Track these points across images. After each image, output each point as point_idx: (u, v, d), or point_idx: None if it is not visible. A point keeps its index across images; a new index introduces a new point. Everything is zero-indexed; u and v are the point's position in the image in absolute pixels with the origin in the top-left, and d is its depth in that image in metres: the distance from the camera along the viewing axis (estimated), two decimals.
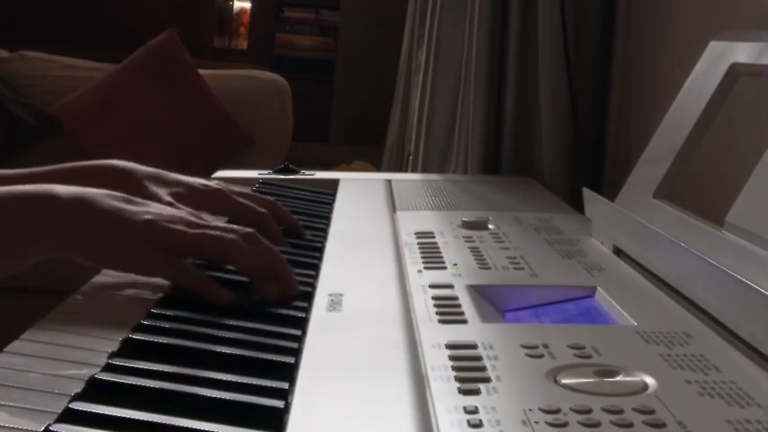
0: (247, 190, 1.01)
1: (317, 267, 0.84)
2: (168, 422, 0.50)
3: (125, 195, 0.77)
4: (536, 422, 0.49)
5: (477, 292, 0.75)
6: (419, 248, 0.90)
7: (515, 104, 1.47)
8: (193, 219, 0.78)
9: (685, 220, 0.82)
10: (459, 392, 0.53)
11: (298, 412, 0.52)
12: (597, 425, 0.49)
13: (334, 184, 1.28)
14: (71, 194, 0.74)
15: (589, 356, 0.59)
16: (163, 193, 0.90)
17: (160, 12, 3.70)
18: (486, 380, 0.55)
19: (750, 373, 0.58)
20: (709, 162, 1.08)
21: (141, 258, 0.74)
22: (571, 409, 0.51)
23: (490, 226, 1.00)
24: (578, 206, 1.08)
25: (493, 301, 0.75)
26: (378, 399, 0.54)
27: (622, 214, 0.89)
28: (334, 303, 0.72)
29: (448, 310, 0.70)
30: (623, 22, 1.43)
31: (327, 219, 1.06)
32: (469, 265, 0.83)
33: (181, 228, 0.75)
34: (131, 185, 0.87)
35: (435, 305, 0.71)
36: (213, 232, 0.76)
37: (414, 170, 1.69)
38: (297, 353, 0.61)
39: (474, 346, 0.61)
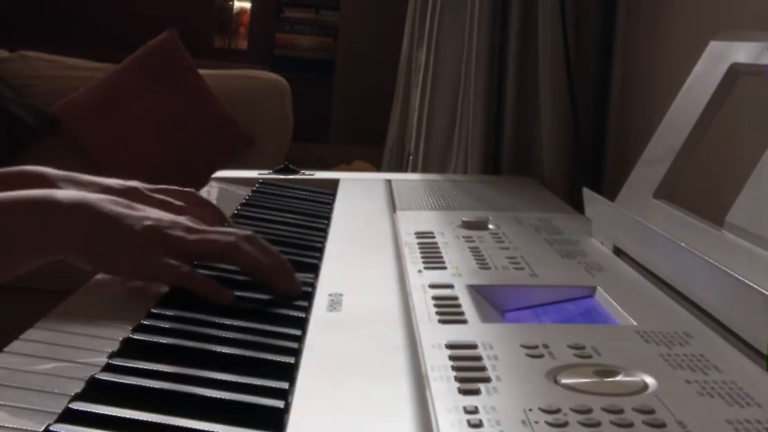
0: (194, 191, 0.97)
1: (316, 267, 0.84)
2: (168, 422, 0.50)
3: (126, 201, 0.77)
4: (536, 422, 0.49)
5: (477, 292, 0.75)
6: (419, 248, 0.90)
7: (515, 104, 1.47)
8: (192, 224, 0.78)
9: (685, 220, 0.82)
10: (459, 392, 0.53)
11: (298, 412, 0.52)
12: (597, 425, 0.49)
13: (334, 184, 1.28)
14: (71, 199, 0.74)
15: (589, 356, 0.59)
16: (75, 191, 0.87)
17: (160, 12, 3.70)
18: (486, 380, 0.55)
19: (750, 373, 0.58)
20: (709, 162, 1.08)
21: (142, 264, 0.74)
22: (571, 409, 0.51)
23: (490, 226, 1.00)
24: (578, 206, 1.08)
25: (493, 301, 0.75)
26: (378, 399, 0.54)
27: (622, 214, 0.89)
28: (334, 303, 0.72)
29: (448, 310, 0.70)
30: (623, 22, 1.43)
31: (327, 219, 1.06)
32: (469, 265, 0.83)
33: (180, 233, 0.75)
34: (45, 187, 0.84)
35: (435, 305, 0.71)
36: (212, 236, 0.76)
37: (414, 170, 1.69)
38: (297, 353, 0.61)
39: (474, 346, 0.61)
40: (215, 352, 0.61)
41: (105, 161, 2.77)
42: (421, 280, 0.78)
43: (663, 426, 0.49)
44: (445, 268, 0.82)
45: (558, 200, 1.26)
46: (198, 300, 0.71)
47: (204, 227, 0.79)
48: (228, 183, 1.30)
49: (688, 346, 0.62)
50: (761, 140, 0.79)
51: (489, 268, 0.83)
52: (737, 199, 0.75)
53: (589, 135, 1.46)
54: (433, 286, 0.76)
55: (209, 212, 0.90)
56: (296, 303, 0.73)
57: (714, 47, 0.93)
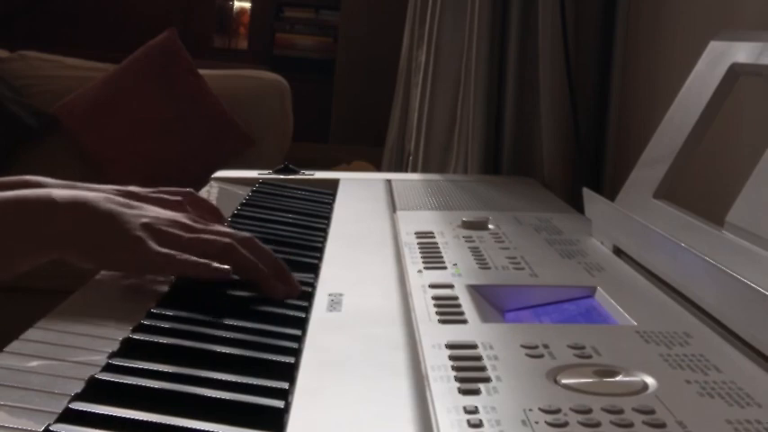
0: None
1: (316, 267, 0.84)
2: (168, 422, 0.50)
3: (123, 199, 0.78)
4: (536, 422, 0.49)
5: (477, 292, 0.75)
6: (419, 248, 0.90)
7: (515, 104, 1.47)
8: (190, 222, 0.79)
9: (685, 220, 0.82)
10: (459, 392, 0.53)
11: (298, 412, 0.52)
12: (597, 425, 0.49)
13: (334, 184, 1.29)
14: (69, 198, 0.75)
15: (589, 356, 0.59)
16: None
17: (160, 12, 3.70)
18: (486, 380, 0.55)
19: (750, 373, 0.58)
20: (709, 162, 1.08)
21: (139, 258, 0.74)
22: (571, 409, 0.51)
23: (490, 226, 1.00)
24: (578, 206, 1.08)
25: (493, 301, 0.75)
26: (378, 399, 0.54)
27: (622, 214, 0.89)
28: (334, 303, 0.72)
29: (448, 310, 0.70)
30: (623, 22, 1.43)
31: (327, 219, 1.06)
32: (469, 265, 0.83)
33: (177, 231, 0.76)
34: None
35: (435, 305, 0.71)
36: (209, 236, 0.77)
37: (414, 170, 1.70)
38: (297, 353, 0.61)
39: (474, 346, 0.61)
40: (215, 352, 0.61)
41: (105, 161, 2.77)
42: (421, 280, 0.78)
43: (663, 426, 0.49)
44: (445, 268, 0.82)
45: (558, 200, 1.26)
46: (198, 300, 0.71)
47: (201, 226, 0.79)
48: (228, 183, 1.30)
49: (688, 346, 0.62)
50: (761, 140, 0.79)
51: (489, 268, 0.83)
52: (737, 199, 0.75)
53: (589, 135, 1.46)
54: (432, 286, 0.76)
55: (208, 212, 0.90)
56: (296, 303, 0.73)
57: (714, 47, 0.93)
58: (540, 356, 0.59)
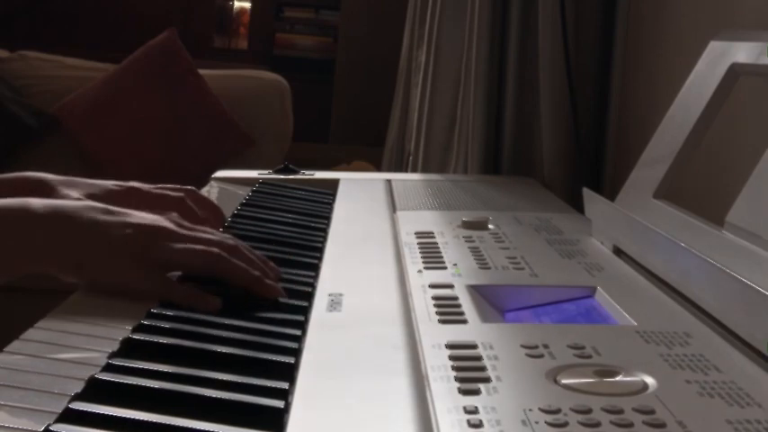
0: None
1: (317, 267, 0.84)
2: (168, 422, 0.50)
3: (104, 206, 0.74)
4: (536, 422, 0.49)
5: (477, 292, 0.75)
6: (419, 248, 0.90)
7: (515, 104, 1.47)
8: (176, 228, 0.75)
9: (685, 220, 0.82)
10: (459, 392, 0.53)
11: (298, 412, 0.52)
12: (597, 425, 0.49)
13: (334, 184, 1.29)
14: (47, 207, 0.71)
15: (589, 356, 0.59)
16: (75, 195, 0.84)
17: (160, 12, 3.70)
18: (486, 380, 0.55)
19: (750, 373, 0.58)
20: (710, 162, 1.08)
21: (124, 273, 0.72)
22: (571, 409, 0.51)
23: (490, 226, 1.00)
24: (578, 206, 1.08)
25: (493, 301, 0.75)
26: (378, 399, 0.54)
27: (622, 214, 0.89)
28: (334, 303, 0.72)
29: (448, 310, 0.70)
30: (623, 22, 1.43)
31: (327, 219, 1.06)
32: (469, 265, 0.83)
33: (166, 243, 0.73)
34: (45, 190, 0.82)
35: (435, 305, 0.71)
36: (198, 247, 0.74)
37: (414, 170, 1.70)
38: (297, 353, 0.61)
39: (474, 346, 0.61)
40: (215, 352, 0.61)
41: (105, 161, 2.77)
42: (421, 280, 0.78)
43: (663, 426, 0.49)
44: (445, 268, 0.82)
45: (558, 200, 1.26)
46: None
47: (187, 232, 0.76)
48: (228, 183, 1.30)
49: (688, 346, 0.62)
50: (761, 140, 0.79)
51: (489, 268, 0.83)
52: (737, 199, 0.75)
53: (589, 135, 1.46)
54: (432, 286, 0.76)
55: (209, 210, 0.90)
56: (296, 303, 0.73)
57: (714, 47, 0.93)
58: (540, 356, 0.59)
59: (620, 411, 0.51)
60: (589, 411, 0.50)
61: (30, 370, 0.57)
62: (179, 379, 0.56)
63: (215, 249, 0.73)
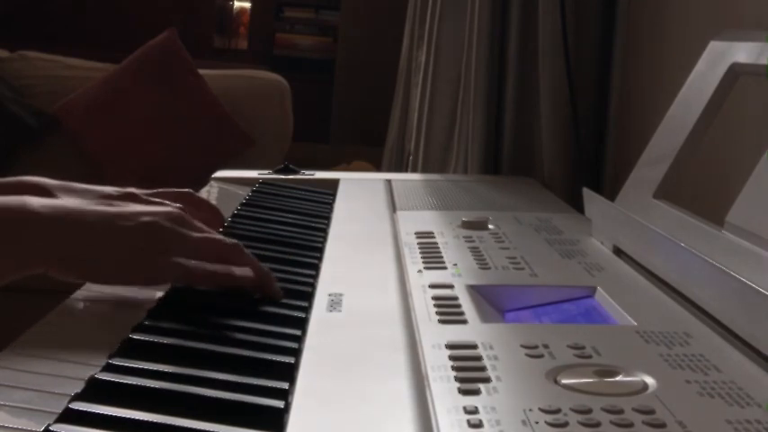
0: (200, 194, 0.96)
1: (317, 267, 0.84)
2: (168, 422, 0.50)
3: (108, 200, 0.71)
4: (536, 422, 0.49)
5: (477, 292, 0.75)
6: (419, 248, 0.90)
7: (515, 104, 1.47)
8: (182, 214, 0.73)
9: (685, 220, 0.82)
10: (459, 392, 0.53)
11: (298, 412, 0.52)
12: (597, 425, 0.49)
13: (334, 184, 1.28)
14: (49, 206, 0.68)
15: (589, 356, 0.59)
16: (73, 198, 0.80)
17: (160, 12, 3.70)
18: (486, 380, 0.55)
19: (750, 373, 0.58)
20: (710, 162, 1.08)
21: (141, 267, 0.68)
22: (571, 409, 0.51)
23: (490, 226, 1.00)
24: (578, 206, 1.08)
25: (493, 301, 0.75)
26: (378, 399, 0.54)
27: (622, 214, 0.89)
28: (334, 303, 0.72)
29: (448, 310, 0.70)
30: (623, 22, 1.43)
31: (327, 219, 1.06)
32: (469, 265, 0.83)
33: (184, 231, 0.71)
34: (43, 195, 0.77)
35: (435, 305, 0.71)
36: (214, 236, 0.73)
37: (414, 170, 1.69)
38: (297, 353, 0.61)
39: (474, 346, 0.61)
40: (215, 352, 0.61)
41: (105, 161, 2.77)
42: (421, 280, 0.78)
43: (663, 426, 0.49)
44: (445, 268, 0.82)
45: (558, 200, 1.26)
46: (197, 300, 0.71)
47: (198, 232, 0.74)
48: (228, 183, 1.30)
49: (688, 346, 0.62)
50: (761, 140, 0.79)
51: (489, 268, 0.83)
52: (737, 199, 0.75)
53: (589, 135, 1.46)
54: (432, 286, 0.76)
55: (208, 213, 0.89)
56: (296, 303, 0.73)
57: (714, 47, 0.93)
58: (540, 356, 0.59)
59: (620, 411, 0.51)
60: (589, 411, 0.50)
61: (29, 370, 0.57)
62: (179, 379, 0.56)
63: (232, 240, 0.73)
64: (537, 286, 0.79)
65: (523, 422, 0.49)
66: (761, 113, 1.03)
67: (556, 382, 0.55)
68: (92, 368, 0.56)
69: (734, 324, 0.64)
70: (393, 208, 1.13)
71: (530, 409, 0.51)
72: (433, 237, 0.95)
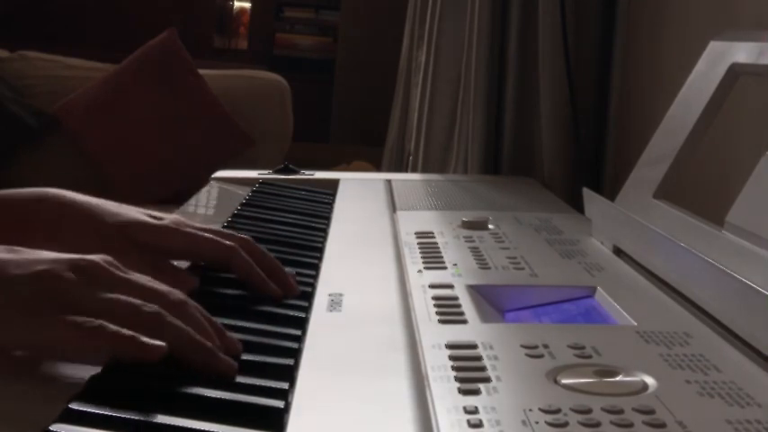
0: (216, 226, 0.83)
1: (317, 267, 0.84)
2: (168, 422, 0.50)
3: (7, 246, 0.59)
4: (536, 422, 0.49)
5: (477, 292, 0.75)
6: (419, 248, 0.90)
7: (515, 104, 1.47)
8: (109, 269, 0.60)
9: (685, 220, 0.82)
10: (459, 392, 0.53)
11: (298, 412, 0.52)
12: (597, 425, 0.49)
13: (334, 184, 1.29)
14: None
15: (589, 356, 0.59)
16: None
17: (160, 12, 3.70)
18: (486, 380, 0.55)
19: (750, 373, 0.58)
20: (710, 162, 1.08)
21: (30, 324, 0.55)
22: (571, 409, 0.51)
23: (490, 226, 1.00)
24: (578, 206, 1.08)
25: (493, 301, 0.75)
26: (378, 399, 0.54)
27: (622, 214, 0.89)
28: (334, 303, 0.72)
29: (448, 310, 0.70)
30: (623, 22, 1.43)
31: (327, 219, 1.06)
32: (469, 265, 0.83)
33: (91, 286, 0.57)
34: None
35: (435, 305, 0.71)
36: (125, 299, 0.58)
37: (414, 170, 1.70)
38: (297, 353, 0.61)
39: (474, 346, 0.61)
40: None
41: (105, 161, 2.77)
42: (421, 280, 0.78)
43: (663, 426, 0.49)
44: (445, 268, 0.82)
45: (558, 200, 1.26)
46: (197, 300, 0.71)
47: (123, 273, 0.61)
48: (228, 183, 1.30)
49: (688, 346, 0.62)
50: (761, 140, 0.79)
51: (489, 268, 0.83)
52: (737, 199, 0.75)
53: (589, 135, 1.46)
54: (432, 286, 0.76)
55: (267, 263, 0.76)
56: (296, 303, 0.73)
57: (714, 47, 0.93)
58: (540, 356, 0.59)
59: (620, 411, 0.51)
60: (589, 411, 0.50)
61: (29, 370, 0.56)
62: (179, 378, 0.56)
63: (151, 307, 0.58)
64: (537, 286, 0.79)
65: (523, 422, 0.49)
66: (761, 113, 1.03)
67: (556, 382, 0.55)
68: (92, 368, 0.56)
69: (734, 324, 0.64)
70: (393, 208, 1.13)
71: (530, 409, 0.51)
72: (433, 237, 0.95)
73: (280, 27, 4.12)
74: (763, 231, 0.69)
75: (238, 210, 1.05)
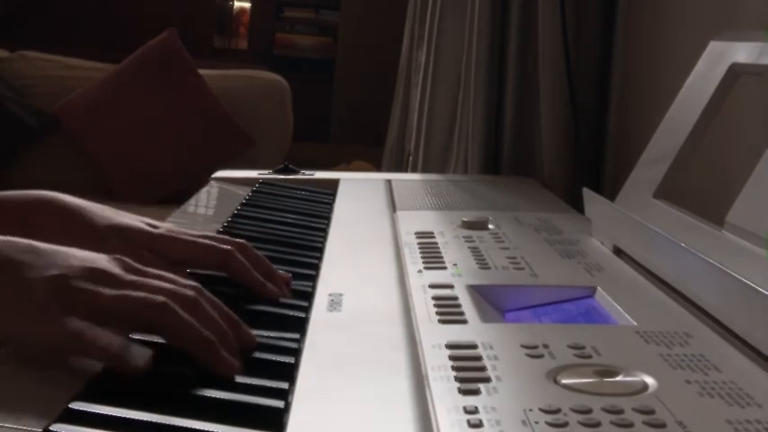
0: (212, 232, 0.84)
1: (317, 267, 0.84)
2: (168, 422, 0.50)
3: (28, 243, 0.60)
4: (536, 422, 0.49)
5: (477, 292, 0.75)
6: (419, 248, 0.90)
7: (515, 104, 1.47)
8: (116, 269, 0.61)
9: (685, 220, 0.82)
10: (459, 392, 0.53)
11: (298, 412, 0.52)
12: (597, 425, 0.49)
13: (334, 184, 1.29)
14: None
15: (589, 356, 0.59)
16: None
17: (160, 12, 3.70)
18: (486, 380, 0.55)
19: (750, 373, 0.58)
20: (710, 162, 1.08)
21: (39, 326, 0.56)
22: (571, 409, 0.51)
23: (490, 226, 1.00)
24: (578, 206, 1.08)
25: (493, 301, 0.75)
26: (378, 399, 0.54)
27: (622, 214, 0.89)
28: (334, 303, 0.72)
29: (448, 310, 0.70)
30: (623, 22, 1.43)
31: (327, 219, 1.06)
32: (469, 265, 0.83)
33: (93, 287, 0.58)
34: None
35: (435, 305, 0.71)
36: (137, 294, 0.59)
37: (414, 170, 1.70)
38: (297, 353, 0.61)
39: (474, 346, 0.61)
40: None
41: (105, 161, 2.77)
42: (421, 280, 0.78)
43: (663, 426, 0.49)
44: (445, 268, 0.82)
45: (558, 200, 1.26)
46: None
47: (136, 276, 0.62)
48: (228, 183, 1.30)
49: (688, 346, 0.62)
50: (761, 140, 0.79)
51: (489, 268, 0.83)
52: (737, 199, 0.75)
53: (589, 135, 1.46)
54: (432, 286, 0.76)
55: (262, 267, 0.76)
56: (296, 303, 0.73)
57: (714, 47, 0.93)
58: (540, 356, 0.59)
59: (620, 411, 0.51)
60: (589, 411, 0.50)
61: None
62: (179, 378, 0.56)
63: (159, 298, 0.58)
64: (537, 286, 0.78)
65: (523, 422, 0.49)
66: (761, 113, 1.03)
67: (556, 382, 0.55)
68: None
69: (734, 324, 0.64)
70: (393, 208, 1.13)
71: (530, 409, 0.51)
72: (433, 237, 0.95)
73: (280, 27, 4.12)
74: (764, 231, 0.69)
75: (238, 210, 1.05)
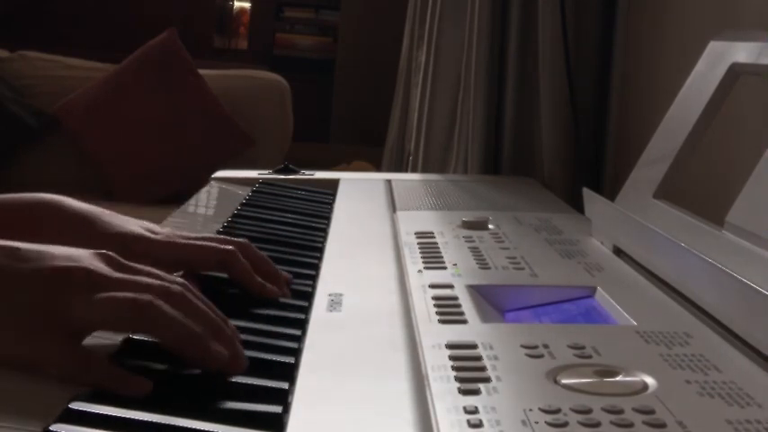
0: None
1: (317, 267, 0.84)
2: (168, 422, 0.50)
3: (12, 245, 0.58)
4: (536, 422, 0.49)
5: (477, 292, 0.75)
6: (419, 248, 0.90)
7: (515, 104, 1.47)
8: (102, 267, 0.60)
9: (685, 220, 0.82)
10: (459, 392, 0.53)
11: (298, 413, 0.52)
12: (597, 425, 0.49)
13: (334, 184, 1.29)
14: None
15: (589, 356, 0.59)
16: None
17: (160, 12, 3.70)
18: (486, 380, 0.55)
19: (750, 373, 0.58)
20: (710, 162, 1.08)
21: (23, 339, 0.55)
22: (571, 409, 0.51)
23: (490, 226, 1.00)
24: (578, 206, 1.08)
25: (493, 301, 0.75)
26: (378, 399, 0.54)
27: (622, 214, 0.89)
28: (334, 303, 0.72)
29: (448, 310, 0.70)
30: (623, 22, 1.43)
31: (327, 219, 1.06)
32: (469, 265, 0.83)
33: (82, 295, 0.57)
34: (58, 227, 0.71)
35: (435, 305, 0.71)
36: (123, 295, 0.57)
37: (414, 170, 1.70)
38: (297, 353, 0.61)
39: (474, 346, 0.61)
40: None
41: (105, 161, 2.77)
42: (421, 280, 0.78)
43: (663, 426, 0.49)
44: (445, 268, 0.82)
45: (558, 200, 1.26)
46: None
47: (123, 274, 0.60)
48: (228, 183, 1.30)
49: (688, 346, 0.62)
50: (761, 140, 0.79)
51: (489, 268, 0.83)
52: (737, 199, 0.75)
53: (589, 135, 1.46)
54: (433, 286, 0.76)
55: (264, 267, 0.77)
56: (296, 303, 0.73)
57: (714, 47, 0.93)
58: (540, 356, 0.59)
59: (620, 411, 0.51)
60: (589, 411, 0.50)
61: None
62: (179, 378, 0.56)
63: (146, 297, 0.57)
64: (537, 286, 0.79)
65: (523, 422, 0.49)
66: (761, 113, 1.03)
67: (556, 382, 0.55)
68: None
69: (734, 324, 0.64)
70: (393, 208, 1.13)
71: (530, 409, 0.51)
72: (433, 237, 0.95)
73: (280, 27, 4.11)
74: (763, 231, 0.69)
75: (238, 210, 1.05)
